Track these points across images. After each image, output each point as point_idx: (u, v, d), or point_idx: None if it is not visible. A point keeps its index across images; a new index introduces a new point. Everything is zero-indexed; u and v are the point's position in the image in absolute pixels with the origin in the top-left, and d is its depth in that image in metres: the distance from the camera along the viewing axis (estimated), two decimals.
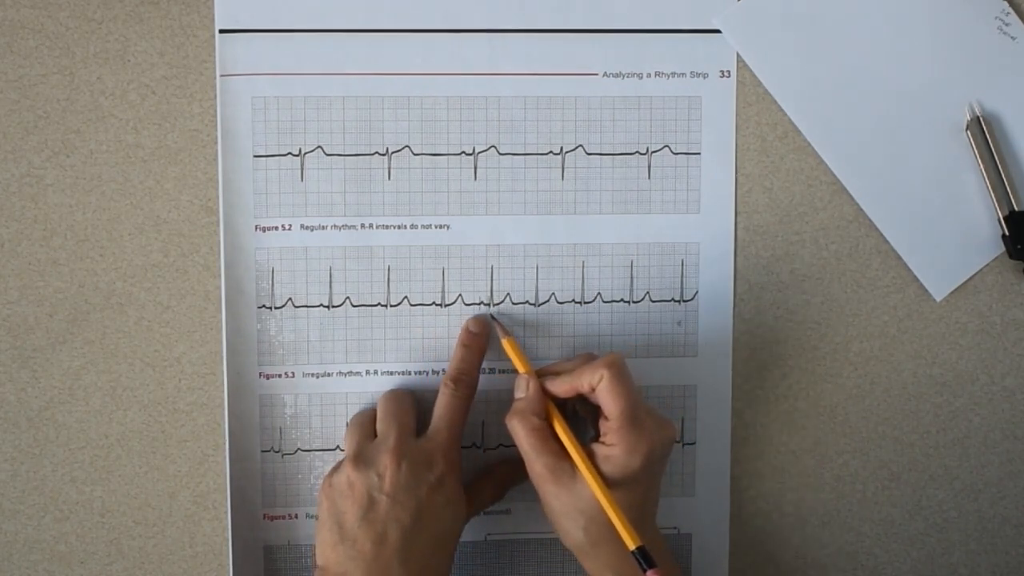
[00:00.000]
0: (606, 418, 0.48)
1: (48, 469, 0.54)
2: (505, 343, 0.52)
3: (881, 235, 0.56)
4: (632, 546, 0.46)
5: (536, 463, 0.48)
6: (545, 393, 0.50)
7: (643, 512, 0.49)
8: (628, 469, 0.47)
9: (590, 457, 0.48)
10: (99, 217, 0.53)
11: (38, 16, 0.52)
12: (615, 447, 0.47)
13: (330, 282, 0.54)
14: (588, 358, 0.51)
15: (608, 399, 0.47)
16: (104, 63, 0.53)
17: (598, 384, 0.47)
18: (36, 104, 0.52)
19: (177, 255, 0.53)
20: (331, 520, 0.48)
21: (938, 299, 0.56)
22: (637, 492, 0.48)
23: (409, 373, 0.54)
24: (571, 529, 0.48)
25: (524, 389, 0.50)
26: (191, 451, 0.54)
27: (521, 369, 0.51)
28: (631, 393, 0.47)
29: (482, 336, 0.53)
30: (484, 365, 0.54)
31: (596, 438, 0.49)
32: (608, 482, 0.47)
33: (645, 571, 0.46)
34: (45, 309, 0.53)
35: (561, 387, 0.49)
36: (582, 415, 0.52)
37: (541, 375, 0.50)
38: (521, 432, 0.48)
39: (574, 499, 0.47)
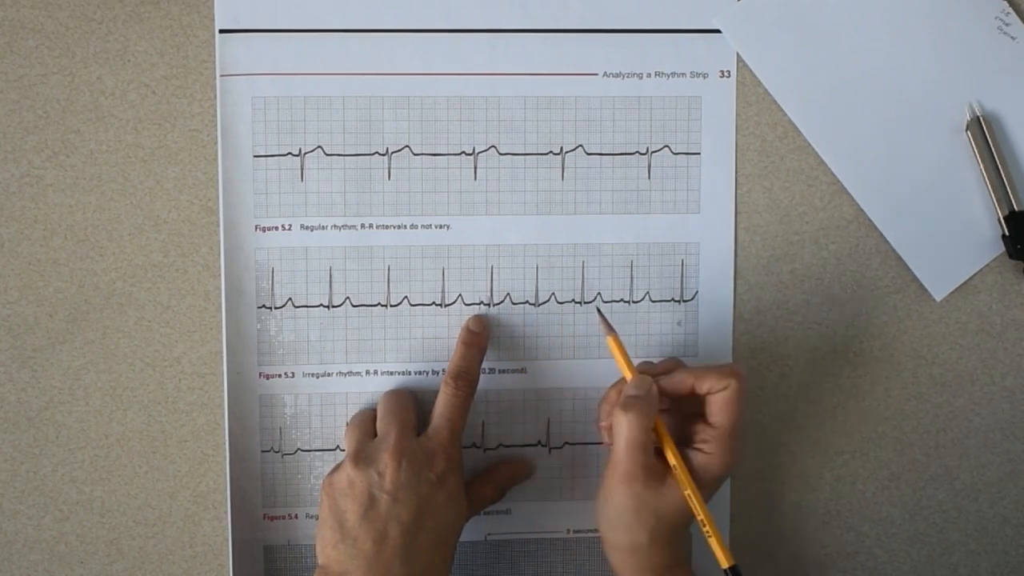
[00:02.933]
0: (711, 426, 0.48)
1: (48, 469, 0.54)
2: (610, 341, 0.51)
3: (881, 235, 0.56)
4: (726, 564, 0.47)
5: (633, 460, 0.47)
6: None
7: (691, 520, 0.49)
8: (717, 479, 0.48)
9: (685, 462, 0.48)
10: (99, 217, 0.53)
11: (38, 16, 0.52)
12: (714, 456, 0.48)
13: (330, 282, 0.54)
14: (676, 363, 0.52)
15: (726, 409, 0.48)
16: (104, 63, 0.53)
17: (720, 391, 0.48)
18: (36, 104, 0.52)
19: (177, 255, 0.53)
20: (332, 519, 0.48)
21: (938, 299, 0.56)
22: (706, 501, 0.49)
23: (409, 373, 0.54)
24: (636, 528, 0.48)
25: (645, 389, 0.49)
26: (191, 451, 0.54)
27: (625, 369, 0.50)
28: (744, 408, 0.48)
29: (483, 335, 0.53)
30: (484, 365, 0.54)
31: (684, 442, 0.49)
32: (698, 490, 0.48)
33: None
34: (45, 309, 0.53)
35: (680, 385, 0.49)
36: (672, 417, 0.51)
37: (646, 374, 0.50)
38: (634, 427, 0.47)
39: (656, 500, 0.47)
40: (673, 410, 0.51)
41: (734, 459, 0.48)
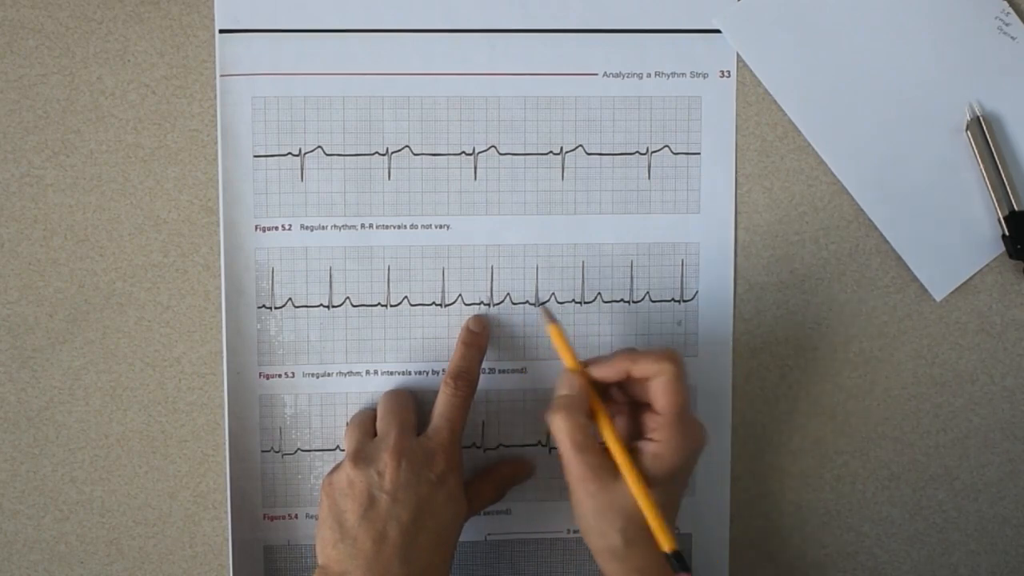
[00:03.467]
0: (656, 413, 0.47)
1: (48, 469, 0.54)
2: (551, 330, 0.50)
3: (881, 235, 0.56)
4: (668, 548, 0.45)
5: (576, 460, 0.46)
6: (591, 380, 0.48)
7: (672, 512, 0.48)
8: (673, 467, 0.47)
9: (635, 455, 0.47)
10: (99, 217, 0.53)
11: (38, 16, 0.52)
12: (663, 444, 0.46)
13: (330, 282, 0.54)
14: (631, 352, 0.50)
15: (666, 394, 0.46)
16: (104, 63, 0.53)
17: (656, 375, 0.47)
18: (36, 104, 0.52)
19: (177, 255, 0.53)
20: (332, 519, 0.48)
21: (938, 299, 0.56)
22: (672, 491, 0.48)
23: (409, 373, 0.54)
24: (607, 530, 0.47)
25: (570, 386, 0.48)
26: (191, 451, 0.54)
27: (567, 360, 0.49)
28: (687, 391, 0.47)
29: (483, 335, 0.53)
30: (484, 365, 0.54)
31: (639, 435, 0.48)
32: (649, 481, 0.46)
33: (677, 572, 0.45)
34: (45, 309, 0.53)
35: (610, 371, 0.48)
36: (616, 410, 0.50)
37: (584, 365, 0.49)
38: (565, 429, 0.47)
39: (614, 498, 0.46)
40: (628, 403, 0.50)
41: (689, 445, 0.47)
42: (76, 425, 0.54)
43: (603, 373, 0.48)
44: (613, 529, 0.46)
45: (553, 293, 0.55)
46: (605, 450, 0.47)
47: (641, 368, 0.47)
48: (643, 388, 0.48)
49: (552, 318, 0.51)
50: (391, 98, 0.53)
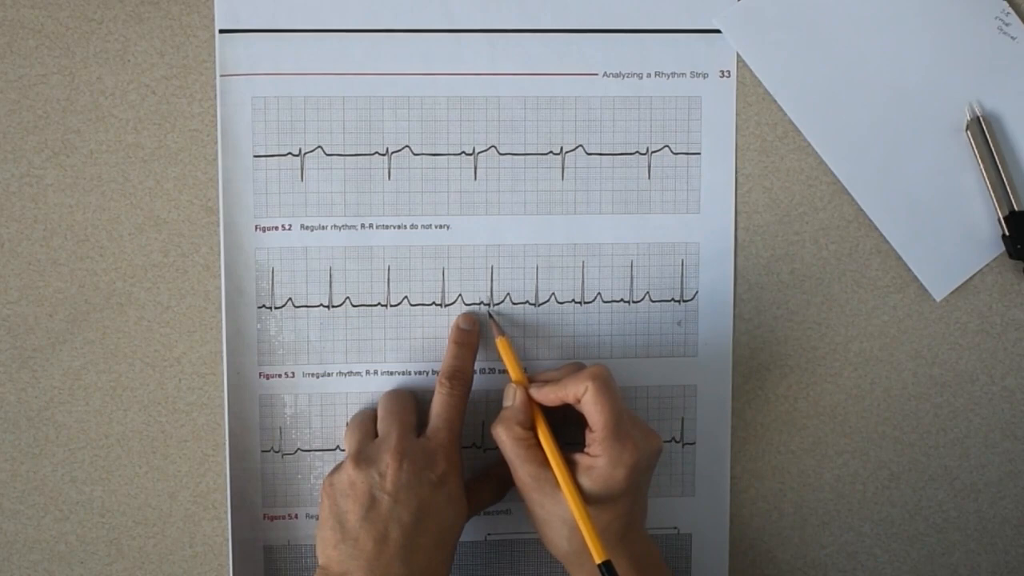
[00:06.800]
0: (591, 429, 0.48)
1: (48, 469, 0.54)
2: (499, 342, 0.52)
3: (881, 235, 0.56)
4: (598, 560, 0.46)
5: (520, 472, 0.48)
6: (532, 401, 0.50)
7: (630, 522, 0.49)
8: (612, 480, 0.47)
9: (573, 467, 0.48)
10: (99, 217, 0.53)
11: (38, 16, 0.52)
12: (599, 458, 0.47)
13: (330, 282, 0.54)
14: (576, 367, 0.51)
15: (592, 411, 0.47)
16: (104, 63, 0.53)
17: (582, 395, 0.47)
18: (36, 104, 0.52)
19: (177, 255, 0.53)
20: (332, 519, 0.48)
21: (938, 299, 0.56)
22: (622, 503, 0.48)
23: (409, 373, 0.54)
24: (556, 539, 0.48)
25: (511, 398, 0.50)
26: (191, 451, 0.54)
27: (512, 372, 0.51)
28: (615, 405, 0.47)
29: (473, 333, 0.53)
30: (484, 365, 0.54)
31: (584, 447, 0.49)
32: (591, 494, 0.47)
33: None
34: (45, 309, 0.53)
35: (547, 397, 0.49)
36: (572, 423, 0.51)
37: (530, 382, 0.51)
38: (506, 441, 0.49)
39: (557, 508, 0.48)
40: (576, 417, 0.50)
41: (626, 458, 0.47)
42: (76, 425, 0.54)
43: (541, 397, 0.50)
44: (561, 537, 0.48)
45: (553, 293, 0.55)
46: (549, 462, 0.48)
47: (570, 392, 0.48)
48: (581, 405, 0.49)
49: (500, 331, 0.52)
50: (391, 98, 0.53)
